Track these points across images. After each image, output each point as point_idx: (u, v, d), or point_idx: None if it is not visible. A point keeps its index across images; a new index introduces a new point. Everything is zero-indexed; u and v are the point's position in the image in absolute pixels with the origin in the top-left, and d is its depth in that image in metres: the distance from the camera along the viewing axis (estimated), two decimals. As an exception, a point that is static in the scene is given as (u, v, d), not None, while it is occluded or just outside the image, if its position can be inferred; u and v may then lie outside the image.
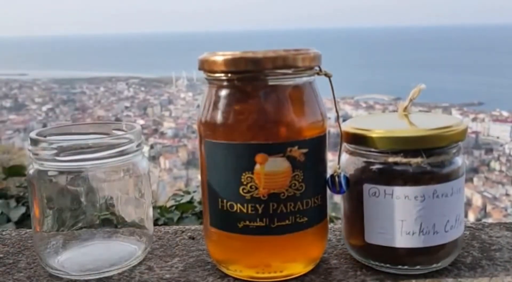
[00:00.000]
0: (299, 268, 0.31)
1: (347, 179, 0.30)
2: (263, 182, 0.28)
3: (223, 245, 0.31)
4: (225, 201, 0.29)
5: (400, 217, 0.29)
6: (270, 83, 0.28)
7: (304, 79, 0.29)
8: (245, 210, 0.28)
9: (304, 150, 0.28)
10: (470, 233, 0.37)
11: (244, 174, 0.28)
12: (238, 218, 0.29)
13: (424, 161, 0.29)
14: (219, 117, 0.29)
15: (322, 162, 0.30)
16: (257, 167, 0.28)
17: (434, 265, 0.31)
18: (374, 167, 0.30)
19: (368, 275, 0.31)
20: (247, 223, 0.29)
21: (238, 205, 0.29)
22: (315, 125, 0.29)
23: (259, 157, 0.28)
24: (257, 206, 0.28)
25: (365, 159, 0.31)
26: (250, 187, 0.28)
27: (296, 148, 0.28)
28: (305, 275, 0.31)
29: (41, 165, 0.32)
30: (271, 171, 0.28)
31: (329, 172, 0.31)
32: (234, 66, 0.28)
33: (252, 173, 0.28)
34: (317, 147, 0.29)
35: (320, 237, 0.31)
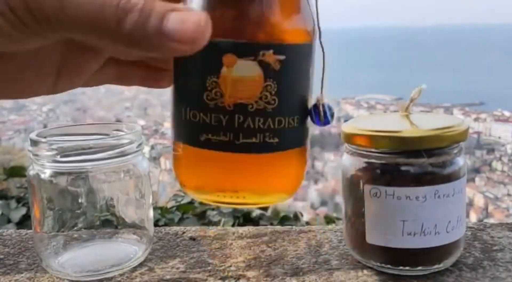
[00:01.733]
0: (267, 198, 0.27)
1: (331, 109, 0.27)
2: (229, 89, 0.24)
3: (186, 161, 0.27)
4: (188, 109, 0.26)
5: (402, 218, 0.29)
6: None
7: None
8: (208, 120, 0.25)
9: (281, 57, 0.24)
10: (472, 234, 0.37)
11: (209, 78, 0.24)
12: (200, 130, 0.25)
13: (425, 161, 0.29)
14: None
15: (302, 78, 0.26)
16: (224, 70, 0.24)
17: (436, 266, 0.31)
18: (375, 168, 0.30)
19: (369, 276, 0.31)
20: (210, 136, 0.25)
21: (201, 114, 0.25)
22: (298, 31, 0.25)
23: (226, 58, 0.24)
24: (221, 117, 0.25)
25: (366, 160, 0.31)
26: (215, 93, 0.24)
27: (270, 52, 0.24)
28: (306, 275, 0.31)
29: (41, 165, 0.32)
30: (239, 76, 0.24)
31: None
32: None
33: (218, 77, 0.24)
34: (297, 57, 0.25)
35: (293, 166, 0.27)
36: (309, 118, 0.27)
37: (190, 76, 0.25)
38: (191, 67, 0.25)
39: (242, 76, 0.24)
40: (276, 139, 0.25)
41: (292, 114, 0.26)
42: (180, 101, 0.26)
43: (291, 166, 0.27)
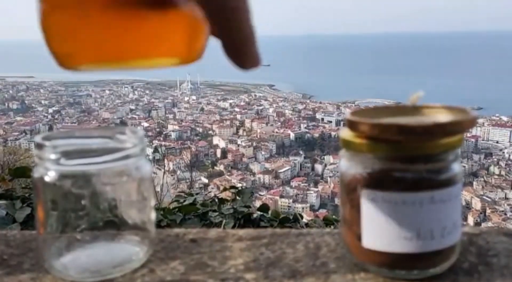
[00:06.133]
0: (156, 51, 0.23)
1: None
2: None
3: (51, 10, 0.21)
4: None
5: (398, 222, 0.30)
6: None
7: None
8: None
9: None
10: (468, 239, 0.37)
11: None
12: None
13: (421, 167, 0.30)
14: None
15: None
16: None
17: (431, 270, 0.31)
18: (373, 173, 0.30)
19: (366, 279, 0.31)
20: None
21: None
22: None
23: None
24: None
25: (363, 165, 0.31)
26: None
27: None
28: (304, 277, 0.31)
29: (45, 168, 0.32)
30: None
31: None
32: None
33: None
34: None
35: (178, 24, 0.23)
36: None
37: None
38: None
39: None
40: None
41: None
42: None
43: (174, 22, 0.23)
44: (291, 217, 1.06)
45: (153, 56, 0.23)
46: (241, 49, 0.25)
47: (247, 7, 0.24)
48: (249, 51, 0.25)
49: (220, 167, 21.22)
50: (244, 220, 1.00)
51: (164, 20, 0.23)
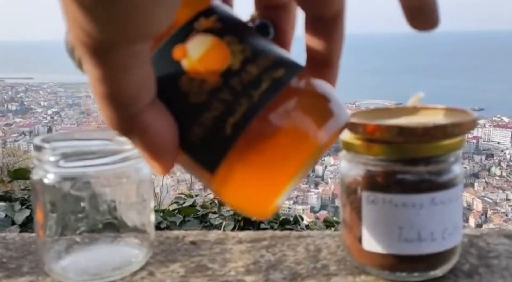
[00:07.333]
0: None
1: (266, 23, 0.24)
2: (203, 70, 0.21)
3: (238, 173, 0.21)
4: (190, 124, 0.21)
5: (398, 225, 0.30)
6: None
7: None
8: (214, 112, 0.21)
9: (213, 17, 0.22)
10: (468, 240, 0.37)
11: (179, 81, 0.21)
12: (219, 127, 0.21)
13: (422, 169, 0.30)
14: None
15: (237, 19, 0.23)
16: (183, 62, 0.21)
17: (432, 272, 0.31)
18: (373, 175, 0.30)
19: (366, 282, 0.31)
20: (229, 120, 0.21)
21: (204, 114, 0.21)
22: None
23: (177, 52, 0.21)
24: (220, 96, 0.21)
25: (363, 167, 0.31)
26: (197, 87, 0.21)
27: (202, 18, 0.22)
28: (304, 280, 0.31)
29: (44, 170, 0.32)
30: (200, 54, 0.21)
31: None
32: None
33: (184, 73, 0.21)
34: (222, 7, 0.23)
35: (328, 85, 0.23)
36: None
37: (166, 90, 0.21)
38: (162, 83, 0.21)
39: (202, 52, 0.21)
40: (282, 71, 0.22)
41: (268, 45, 0.23)
42: (181, 131, 0.22)
43: (324, 85, 0.23)
44: (291, 219, 1.06)
45: (309, 151, 0.21)
46: (419, 13, 0.23)
47: None
48: (427, 13, 0.23)
49: (220, 168, 21.07)
50: (244, 222, 1.00)
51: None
